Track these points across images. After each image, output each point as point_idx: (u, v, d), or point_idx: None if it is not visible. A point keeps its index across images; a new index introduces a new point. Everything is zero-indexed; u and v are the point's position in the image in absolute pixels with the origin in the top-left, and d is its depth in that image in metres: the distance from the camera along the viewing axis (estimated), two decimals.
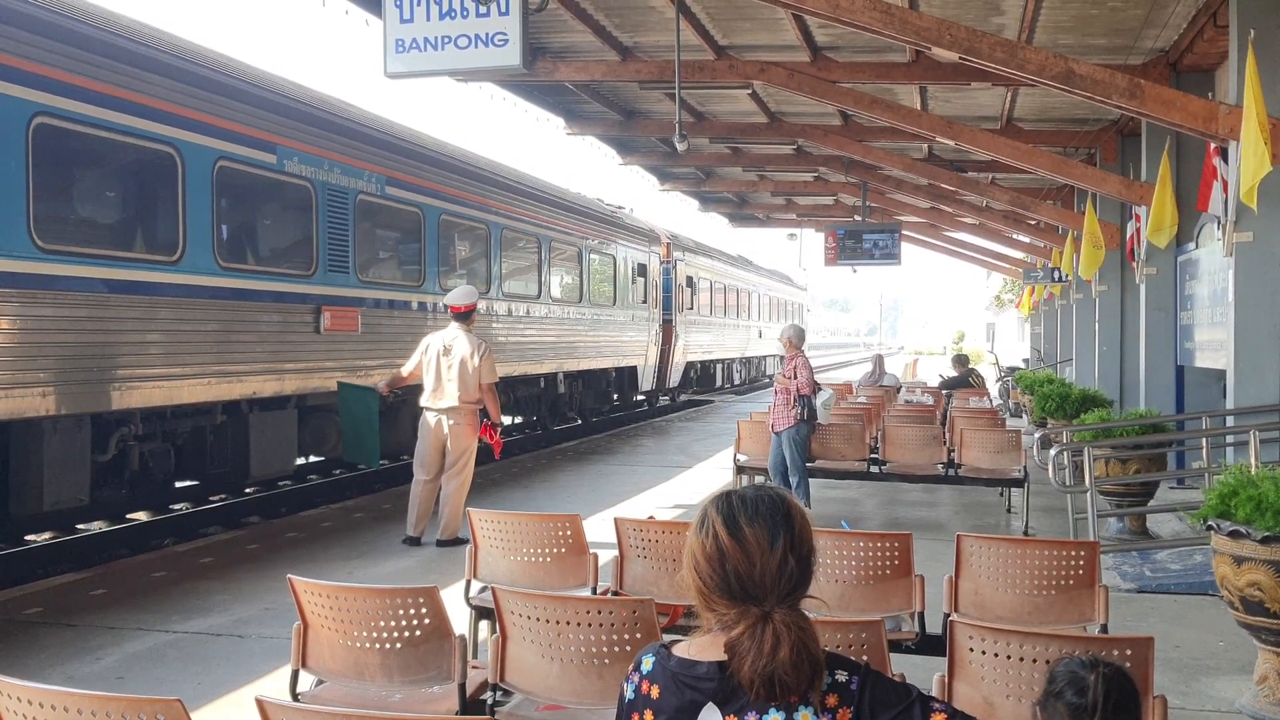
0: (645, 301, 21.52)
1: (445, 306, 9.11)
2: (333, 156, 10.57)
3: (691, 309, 25.23)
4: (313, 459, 12.47)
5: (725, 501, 1.96)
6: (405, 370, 9.05)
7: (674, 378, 24.09)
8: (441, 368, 8.64)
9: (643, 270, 21.35)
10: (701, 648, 1.94)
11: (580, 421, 19.75)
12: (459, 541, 8.23)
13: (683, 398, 27.11)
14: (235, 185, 9.38)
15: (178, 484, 10.67)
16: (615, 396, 21.71)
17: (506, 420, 16.39)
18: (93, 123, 7.76)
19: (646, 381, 22.06)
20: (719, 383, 31.20)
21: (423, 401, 8.80)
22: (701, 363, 27.78)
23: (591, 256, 18.37)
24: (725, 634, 1.88)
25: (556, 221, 16.68)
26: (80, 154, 7.92)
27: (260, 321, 9.60)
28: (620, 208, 21.51)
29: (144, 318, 8.23)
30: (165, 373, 8.42)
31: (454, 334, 8.76)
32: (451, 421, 8.67)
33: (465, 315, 8.87)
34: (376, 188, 11.30)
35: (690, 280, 25.12)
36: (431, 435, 8.70)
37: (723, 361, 30.91)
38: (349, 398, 10.00)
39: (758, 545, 1.88)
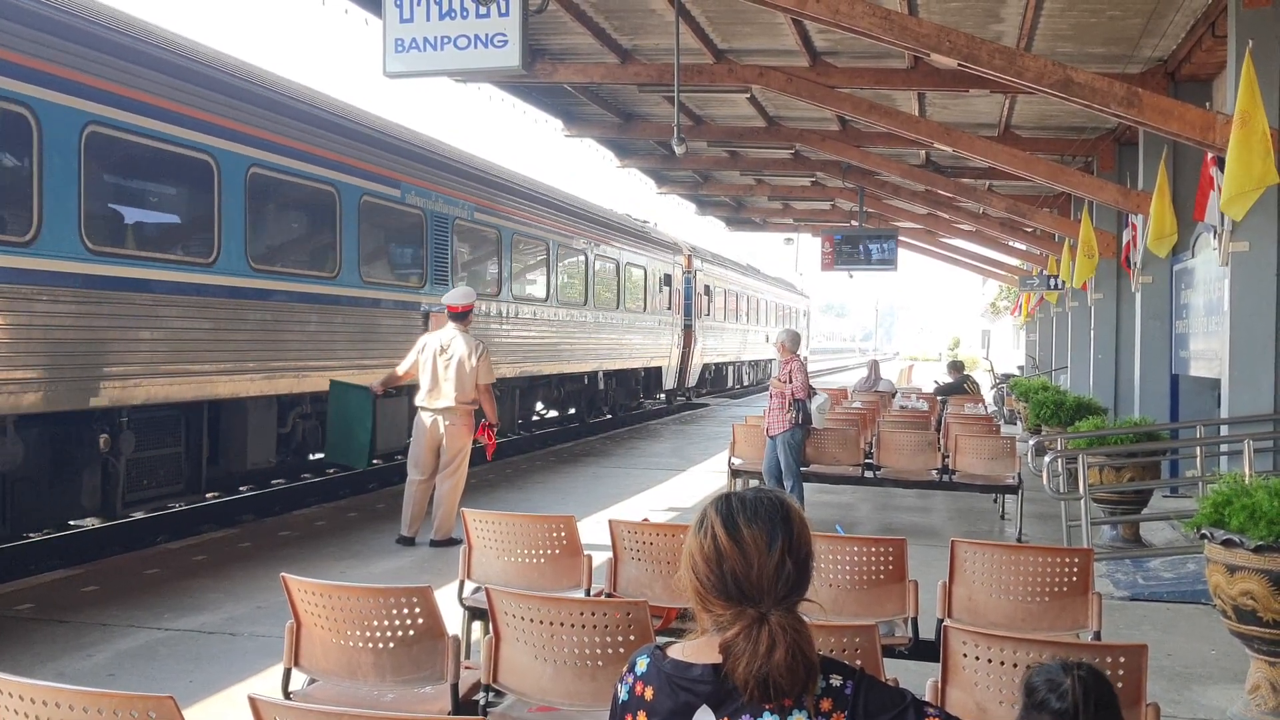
0: (670, 308, 23.74)
1: (443, 306, 9.11)
2: (438, 189, 12.84)
3: (708, 315, 27.37)
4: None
5: (724, 503, 1.96)
6: (401, 369, 9.03)
7: (693, 378, 26.34)
8: (438, 367, 8.62)
9: (668, 280, 23.65)
10: (696, 650, 1.94)
11: (610, 415, 21.79)
12: (452, 542, 8.22)
13: (685, 400, 28.62)
14: (372, 216, 11.55)
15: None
16: (641, 393, 23.88)
17: (554, 412, 19.33)
18: (289, 171, 10.11)
19: (670, 381, 24.34)
20: (730, 383, 33.19)
21: (418, 401, 8.79)
22: (715, 364, 29.73)
23: (627, 268, 20.60)
24: (720, 636, 1.88)
25: (600, 237, 18.87)
26: (279, 197, 10.20)
27: (387, 326, 11.80)
28: (646, 222, 23.49)
29: (319, 321, 10.60)
30: (325, 364, 10.57)
31: (451, 334, 8.74)
32: (447, 422, 8.65)
33: (463, 315, 8.84)
34: (468, 214, 13.65)
35: (707, 289, 27.32)
36: (427, 435, 8.68)
37: (734, 363, 33.01)
38: (342, 396, 9.86)
39: (755, 547, 1.88)
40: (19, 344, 7.17)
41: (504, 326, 14.57)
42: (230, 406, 9.70)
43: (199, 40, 9.47)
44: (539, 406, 18.56)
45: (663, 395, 25.47)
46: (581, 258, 17.95)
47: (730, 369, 32.97)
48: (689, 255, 25.61)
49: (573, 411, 19.82)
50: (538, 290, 16.10)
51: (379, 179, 11.52)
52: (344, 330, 10.95)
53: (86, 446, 8.16)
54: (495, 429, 9.10)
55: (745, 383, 35.37)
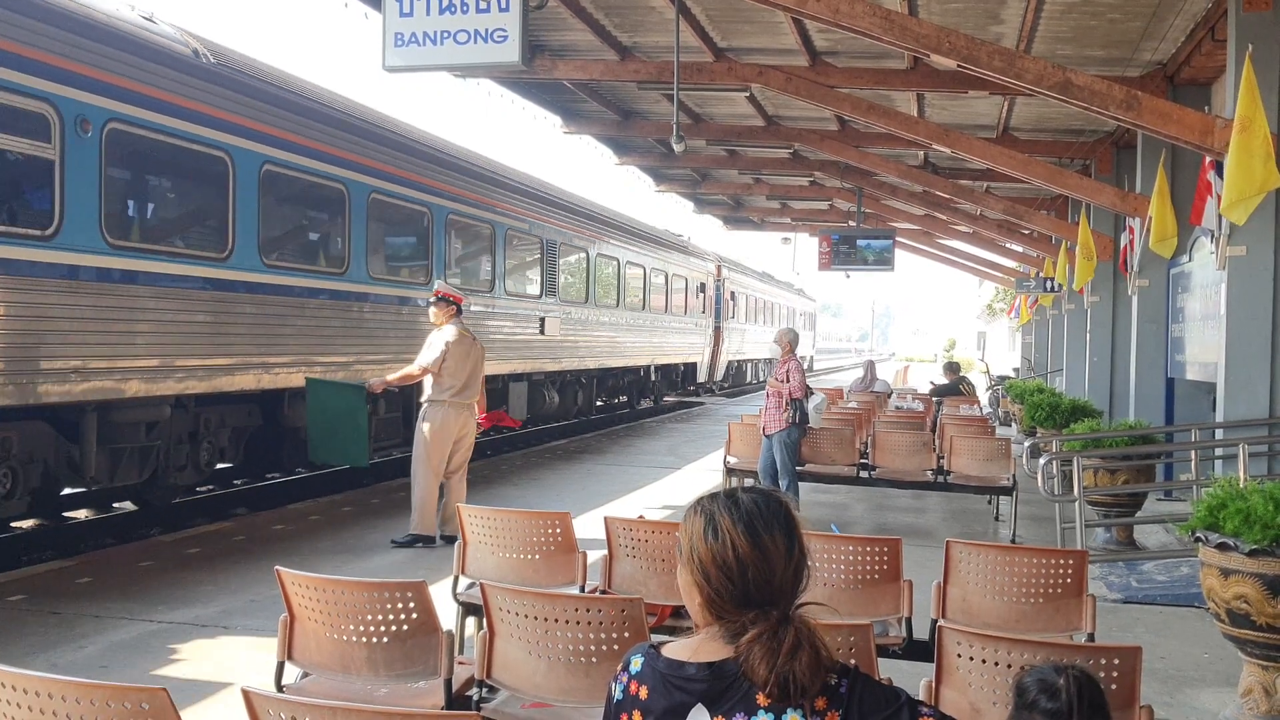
0: (704, 312, 27.75)
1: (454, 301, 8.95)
2: (551, 223, 16.65)
3: (733, 317, 31.36)
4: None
5: (736, 508, 1.91)
6: (428, 366, 8.54)
7: (720, 373, 30.47)
8: (475, 365, 8.69)
9: (703, 287, 27.58)
10: (691, 649, 1.93)
11: (653, 403, 25.79)
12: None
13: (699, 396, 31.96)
14: (513, 241, 15.31)
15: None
16: (681, 384, 28.25)
17: (617, 399, 23.67)
18: (391, 194, 11.90)
19: (703, 374, 28.50)
20: (749, 378, 37.35)
21: (452, 397, 8.54)
22: (737, 361, 33.82)
23: (674, 278, 24.56)
24: (724, 638, 1.87)
25: (654, 254, 23.10)
26: (387, 217, 12.15)
27: (519, 327, 15.52)
28: (681, 235, 27.26)
29: (484, 325, 13.54)
30: (512, 354, 14.72)
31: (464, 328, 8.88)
32: (472, 419, 8.81)
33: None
34: (569, 240, 17.36)
35: (733, 294, 31.31)
36: (457, 431, 8.64)
37: (752, 360, 37.06)
38: (324, 395, 9.36)
39: (777, 553, 1.87)
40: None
41: (587, 329, 18.44)
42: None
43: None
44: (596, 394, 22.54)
45: (693, 387, 29.36)
46: (640, 270, 21.83)
47: (749, 365, 36.91)
48: (718, 265, 29.58)
49: (624, 399, 24.11)
50: (609, 299, 19.69)
51: (514, 216, 15.19)
52: (492, 332, 14.46)
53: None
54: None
55: (762, 378, 37.53)
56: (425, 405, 8.65)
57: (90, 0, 8.07)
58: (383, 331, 11.68)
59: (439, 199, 12.85)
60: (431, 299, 8.92)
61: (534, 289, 16.10)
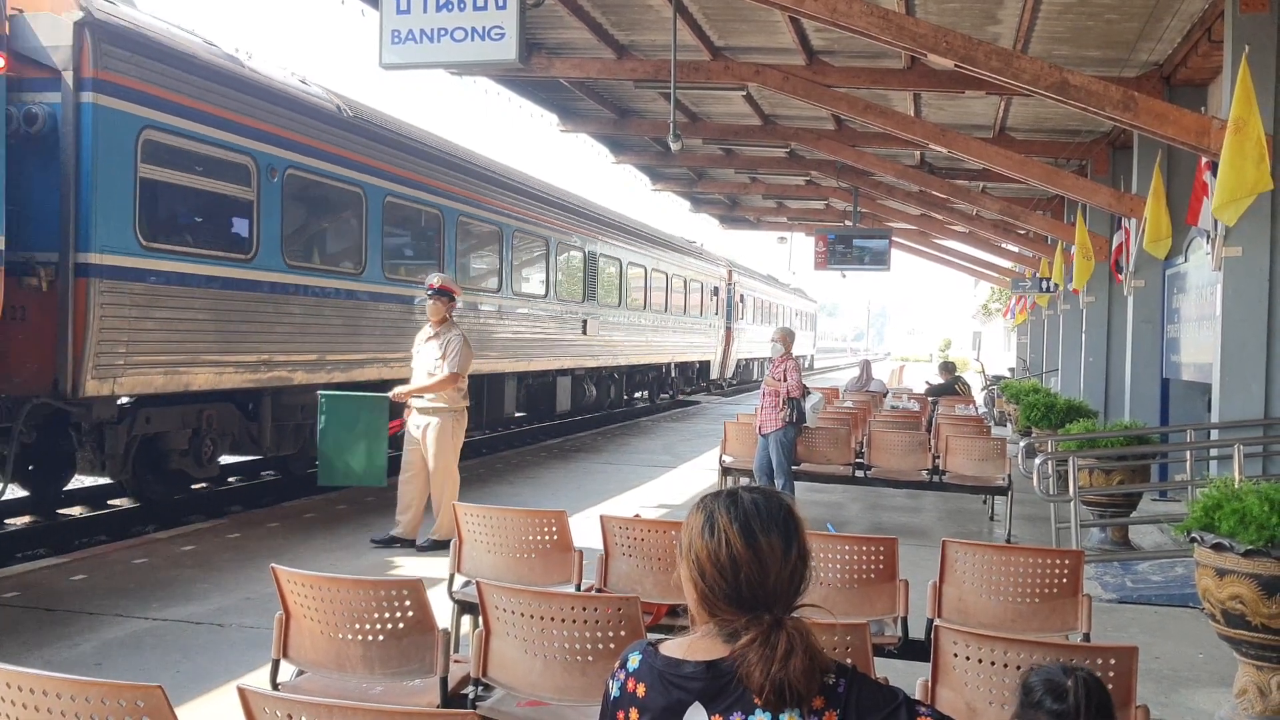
0: (717, 314, 30.20)
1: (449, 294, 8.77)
2: (600, 238, 19.69)
3: (742, 319, 33.55)
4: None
5: (735, 506, 1.90)
6: (456, 373, 8.40)
7: (730, 370, 32.95)
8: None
9: (716, 291, 30.10)
10: (689, 647, 1.92)
11: (670, 399, 28.11)
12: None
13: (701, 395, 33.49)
14: (602, 265, 19.50)
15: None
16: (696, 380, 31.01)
17: (640, 393, 26.15)
18: (473, 216, 14.27)
19: (715, 372, 31.03)
20: (755, 375, 38.77)
21: (463, 400, 8.56)
22: (745, 360, 35.95)
23: (692, 283, 27.10)
24: (721, 637, 1.86)
25: (678, 261, 25.77)
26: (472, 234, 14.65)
27: (566, 328, 17.86)
28: (693, 242, 29.20)
29: (539, 326, 16.59)
30: (542, 354, 16.73)
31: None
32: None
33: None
34: (611, 251, 20.19)
35: (741, 297, 33.63)
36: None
37: (758, 359, 38.51)
38: (341, 411, 8.85)
39: (773, 555, 1.86)
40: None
41: (620, 330, 20.94)
42: (492, 379, 15.31)
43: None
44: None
45: (705, 383, 31.78)
46: (664, 276, 24.25)
47: (755, 364, 38.67)
48: (729, 270, 32.06)
49: (645, 394, 26.48)
50: (638, 302, 22.29)
51: (564, 230, 17.60)
52: (557, 334, 17.52)
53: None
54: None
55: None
56: (441, 412, 8.34)
57: (264, 69, 10.09)
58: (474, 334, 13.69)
59: (545, 230, 16.80)
60: (429, 292, 8.48)
61: (578, 294, 18.44)
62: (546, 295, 16.85)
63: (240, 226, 9.65)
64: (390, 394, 8.64)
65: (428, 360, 8.42)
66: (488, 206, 14.50)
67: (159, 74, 8.45)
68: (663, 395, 27.44)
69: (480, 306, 14.40)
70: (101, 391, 7.98)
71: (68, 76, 7.72)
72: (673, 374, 27.31)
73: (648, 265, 22.81)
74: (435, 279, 8.61)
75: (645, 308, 22.71)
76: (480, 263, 14.99)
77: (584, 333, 18.59)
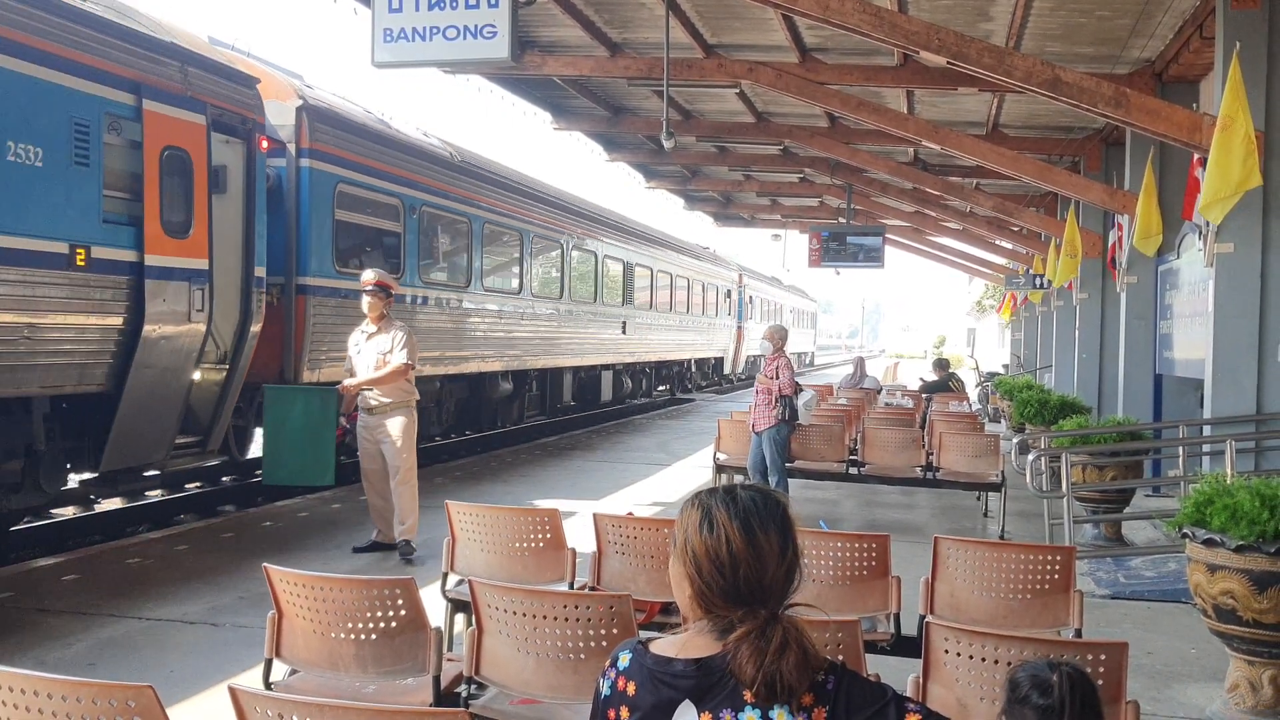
0: (730, 314, 33.47)
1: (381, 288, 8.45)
2: (649, 254, 23.61)
3: (751, 318, 36.51)
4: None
5: (734, 503, 1.91)
6: (410, 364, 8.13)
7: (740, 366, 35.94)
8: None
9: (729, 293, 33.28)
10: (679, 645, 1.93)
11: (689, 391, 30.71)
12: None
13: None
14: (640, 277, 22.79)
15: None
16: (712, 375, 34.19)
17: (662, 387, 28.88)
18: (543, 235, 17.28)
19: (728, 367, 34.28)
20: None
21: (414, 393, 8.24)
22: (754, 356, 37.29)
23: (709, 287, 30.13)
24: (714, 633, 1.87)
25: (700, 268, 28.98)
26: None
27: (610, 328, 20.73)
28: (707, 247, 32.07)
29: (591, 328, 19.57)
30: (594, 351, 19.71)
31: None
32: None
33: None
34: (650, 263, 23.72)
35: (751, 298, 36.89)
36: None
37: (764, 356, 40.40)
38: (286, 404, 8.58)
39: (771, 551, 1.87)
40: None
41: (652, 330, 24.08)
42: (551, 374, 18.56)
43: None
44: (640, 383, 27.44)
45: (719, 379, 34.66)
46: (686, 280, 27.24)
47: (763, 360, 38.90)
48: (740, 274, 35.19)
49: (666, 387, 28.90)
50: (665, 304, 25.11)
51: (611, 243, 20.93)
52: (602, 337, 20.73)
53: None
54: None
55: None
56: (399, 408, 8.00)
57: (402, 128, 12.98)
58: (542, 334, 17.17)
59: (593, 244, 19.75)
60: (369, 288, 8.03)
61: (618, 299, 21.42)
62: (595, 301, 19.82)
63: (393, 253, 12.36)
64: (339, 386, 8.20)
65: (371, 357, 7.97)
66: (552, 227, 17.48)
67: (345, 140, 11.11)
68: (686, 389, 30.30)
69: (544, 312, 17.18)
70: (310, 378, 10.38)
71: (291, 147, 10.40)
72: (692, 369, 30.29)
73: (674, 272, 26.05)
74: (371, 274, 8.13)
75: (671, 310, 25.84)
76: (547, 274, 17.64)
77: (624, 333, 21.69)
